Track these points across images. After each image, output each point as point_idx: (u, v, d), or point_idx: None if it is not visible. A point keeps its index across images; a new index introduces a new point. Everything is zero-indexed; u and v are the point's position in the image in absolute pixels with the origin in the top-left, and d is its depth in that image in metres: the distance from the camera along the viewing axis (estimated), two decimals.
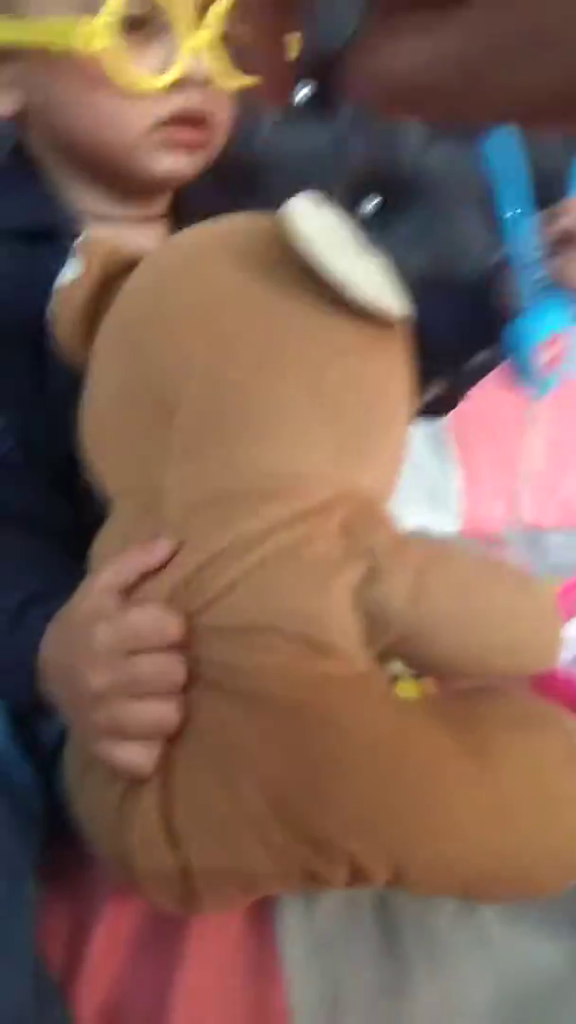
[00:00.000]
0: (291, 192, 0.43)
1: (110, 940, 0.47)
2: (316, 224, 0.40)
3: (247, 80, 0.57)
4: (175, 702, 0.39)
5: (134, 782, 0.40)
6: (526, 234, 0.51)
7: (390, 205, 1.10)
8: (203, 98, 0.54)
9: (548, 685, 0.63)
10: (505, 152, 0.52)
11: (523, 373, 0.52)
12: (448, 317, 0.58)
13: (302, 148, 0.67)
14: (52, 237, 0.56)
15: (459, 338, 0.59)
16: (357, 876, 0.39)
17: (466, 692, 0.43)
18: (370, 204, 1.10)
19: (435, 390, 0.68)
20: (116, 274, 0.47)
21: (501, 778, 0.39)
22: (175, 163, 0.56)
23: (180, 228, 0.50)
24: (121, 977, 0.46)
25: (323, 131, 1.03)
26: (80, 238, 0.48)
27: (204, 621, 0.39)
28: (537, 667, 0.41)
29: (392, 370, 0.44)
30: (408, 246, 1.11)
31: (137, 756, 0.39)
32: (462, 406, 0.93)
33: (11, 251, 0.56)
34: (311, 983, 0.44)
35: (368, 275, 0.41)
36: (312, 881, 0.40)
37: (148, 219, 0.60)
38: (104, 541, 0.45)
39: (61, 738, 0.47)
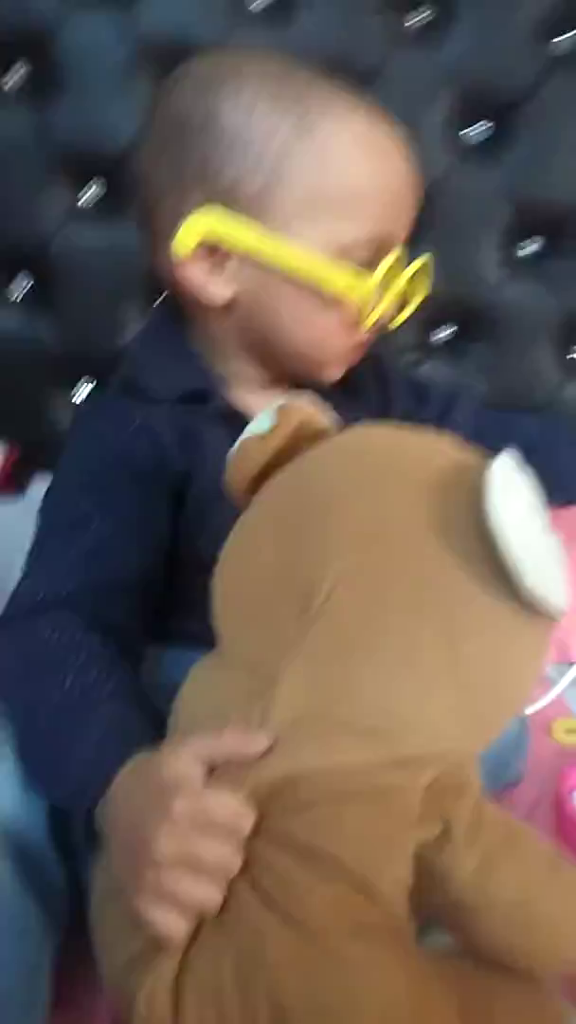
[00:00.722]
0: None
1: None
2: (511, 494, 0.40)
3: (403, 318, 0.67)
4: (224, 889, 0.40)
5: (156, 943, 0.40)
6: None
7: (464, 333, 1.15)
8: None
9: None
10: None
11: None
12: None
13: None
14: (204, 400, 0.63)
15: None
16: None
17: (490, 970, 0.42)
18: (445, 332, 1.15)
19: None
20: (304, 439, 0.48)
21: None
22: (340, 373, 0.66)
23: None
24: None
25: None
26: (282, 401, 0.49)
27: (274, 827, 0.40)
28: (557, 968, 0.42)
29: (532, 656, 0.45)
30: (476, 375, 1.16)
31: (171, 926, 0.39)
32: None
33: (170, 413, 0.62)
34: None
35: (543, 565, 0.41)
36: None
37: (275, 383, 0.67)
38: (201, 699, 0.46)
39: (86, 834, 0.48)
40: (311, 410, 0.49)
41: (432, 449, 0.47)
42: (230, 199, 0.59)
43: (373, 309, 0.62)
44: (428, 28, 1.04)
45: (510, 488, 0.40)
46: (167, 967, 0.40)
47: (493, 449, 0.43)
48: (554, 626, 0.44)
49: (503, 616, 0.42)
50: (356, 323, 0.62)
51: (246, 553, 0.47)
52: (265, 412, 0.49)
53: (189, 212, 0.59)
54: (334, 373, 0.67)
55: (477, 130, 1.08)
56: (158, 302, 0.71)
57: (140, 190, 0.65)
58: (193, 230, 0.59)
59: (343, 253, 0.60)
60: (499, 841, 0.41)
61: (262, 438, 0.48)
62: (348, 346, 0.65)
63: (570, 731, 0.79)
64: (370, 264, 0.61)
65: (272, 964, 0.38)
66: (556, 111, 1.06)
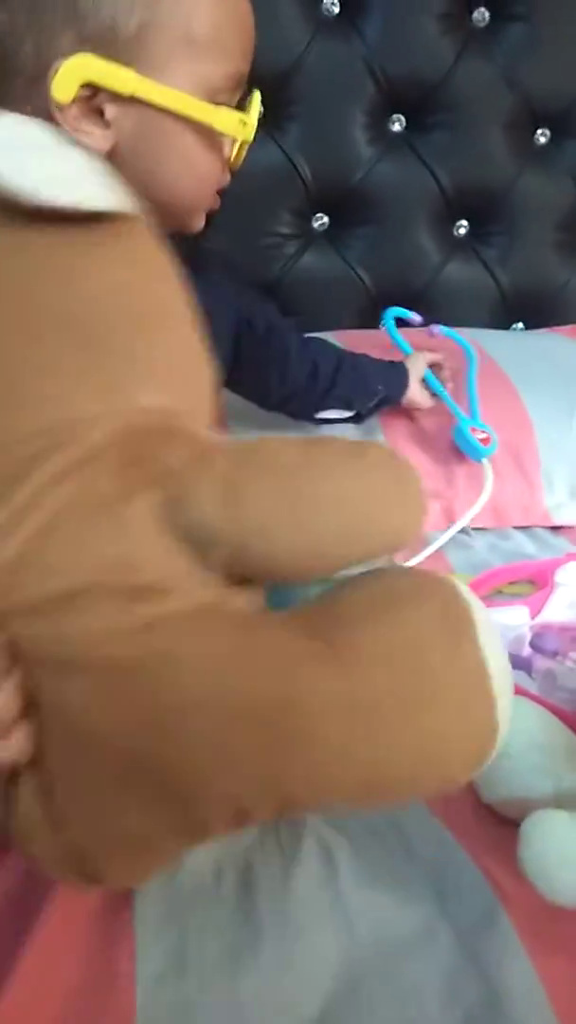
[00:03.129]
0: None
1: None
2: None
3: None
4: (9, 729, 0.36)
5: (6, 772, 0.37)
6: None
7: (339, 220, 1.13)
8: None
9: None
10: None
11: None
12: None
13: (253, 171, 0.71)
14: None
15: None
16: (240, 815, 0.35)
17: (333, 588, 0.37)
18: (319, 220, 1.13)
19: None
20: None
21: (362, 673, 0.33)
22: (203, 222, 0.67)
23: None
24: None
25: (274, 151, 1.06)
26: None
27: (17, 601, 0.35)
28: (387, 548, 0.37)
29: (134, 278, 0.39)
30: (361, 262, 1.14)
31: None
32: (393, 415, 0.94)
33: None
34: (160, 946, 0.42)
35: (65, 176, 0.36)
36: (201, 830, 0.36)
37: None
38: None
39: None
40: None
41: None
42: (106, 42, 0.56)
43: (240, 147, 0.64)
44: None
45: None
46: (26, 788, 0.37)
47: None
48: (136, 231, 0.39)
49: (65, 253, 0.37)
50: (227, 163, 0.64)
51: None
52: None
53: (62, 54, 0.55)
54: (199, 222, 0.66)
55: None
56: None
57: None
58: (73, 76, 0.55)
59: (212, 94, 0.60)
60: (235, 464, 0.35)
61: None
62: (216, 190, 0.66)
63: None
64: (229, 103, 0.62)
65: (90, 716, 0.34)
66: None
